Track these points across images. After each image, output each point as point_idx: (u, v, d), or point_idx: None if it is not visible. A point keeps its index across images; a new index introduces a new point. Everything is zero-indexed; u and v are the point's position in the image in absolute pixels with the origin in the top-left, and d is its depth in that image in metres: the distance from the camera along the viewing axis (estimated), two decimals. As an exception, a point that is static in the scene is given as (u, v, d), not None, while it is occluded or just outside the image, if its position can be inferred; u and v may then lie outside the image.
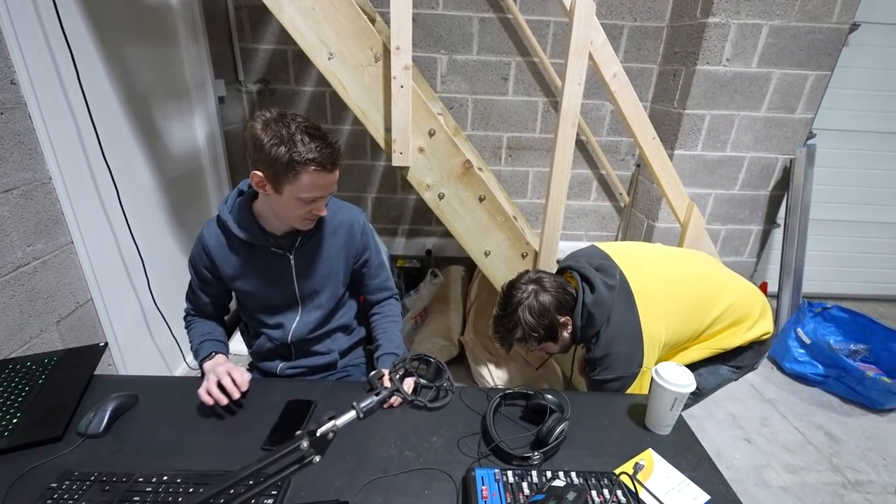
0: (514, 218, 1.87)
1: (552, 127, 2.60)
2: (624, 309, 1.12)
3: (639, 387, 1.12)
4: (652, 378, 0.91)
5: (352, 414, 0.60)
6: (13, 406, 0.88)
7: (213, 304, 1.13)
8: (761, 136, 2.35)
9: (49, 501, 0.70)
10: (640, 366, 1.10)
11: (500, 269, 1.56)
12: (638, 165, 2.69)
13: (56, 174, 1.28)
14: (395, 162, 1.36)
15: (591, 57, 1.30)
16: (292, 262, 1.07)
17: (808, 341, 2.16)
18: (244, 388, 0.94)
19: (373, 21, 2.15)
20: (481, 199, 1.45)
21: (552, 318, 1.12)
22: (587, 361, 1.18)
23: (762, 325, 1.22)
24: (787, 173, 2.43)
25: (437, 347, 2.09)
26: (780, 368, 2.25)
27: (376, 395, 0.64)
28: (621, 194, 2.75)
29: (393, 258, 2.92)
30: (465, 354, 2.13)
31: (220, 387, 0.93)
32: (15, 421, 0.85)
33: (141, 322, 1.71)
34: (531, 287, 1.13)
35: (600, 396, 1.11)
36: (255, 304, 1.11)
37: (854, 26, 2.23)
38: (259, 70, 2.45)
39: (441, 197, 1.45)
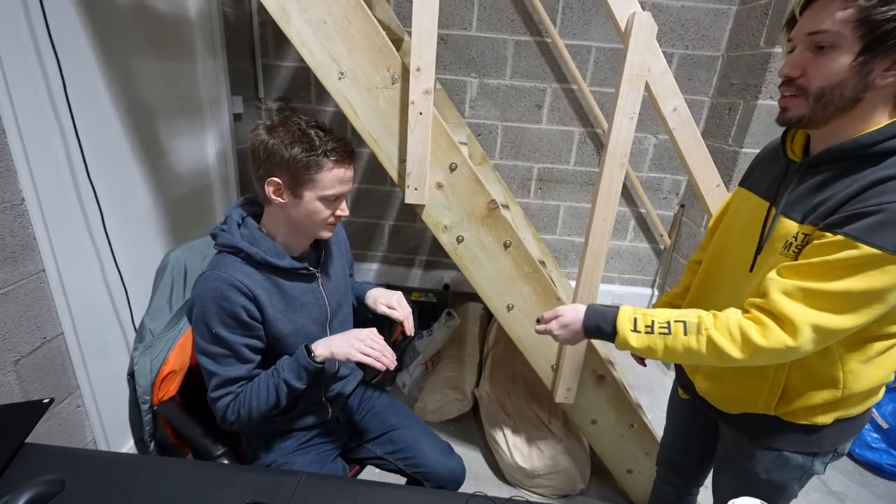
0: (542, 263, 1.65)
1: (587, 159, 2.39)
2: None
3: None
4: None
5: None
6: None
7: (261, 363, 0.94)
8: (829, 181, 2.07)
9: None
10: None
11: (524, 326, 1.34)
12: (682, 206, 2.43)
13: (31, 195, 1.14)
14: (409, 199, 1.18)
15: (647, 87, 1.09)
16: (319, 280, 1.01)
17: (884, 426, 1.83)
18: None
19: (401, 41, 2.02)
20: (506, 246, 1.25)
21: None
22: (842, 206, 0.65)
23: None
24: (858, 224, 2.13)
25: (447, 400, 1.86)
26: (849, 454, 1.92)
27: None
28: (662, 236, 2.49)
29: (408, 291, 2.74)
30: (478, 409, 1.89)
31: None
32: None
33: (123, 360, 1.55)
34: None
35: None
36: (298, 340, 0.95)
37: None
38: (280, 87, 2.35)
39: (460, 240, 1.25)
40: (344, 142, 0.87)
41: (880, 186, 0.62)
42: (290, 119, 0.85)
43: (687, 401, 1.06)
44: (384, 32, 1.06)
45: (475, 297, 2.68)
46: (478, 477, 1.69)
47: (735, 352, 0.72)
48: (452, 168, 1.17)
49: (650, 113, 2.05)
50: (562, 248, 2.60)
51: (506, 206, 1.70)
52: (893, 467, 1.80)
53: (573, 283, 1.33)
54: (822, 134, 0.72)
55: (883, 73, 0.63)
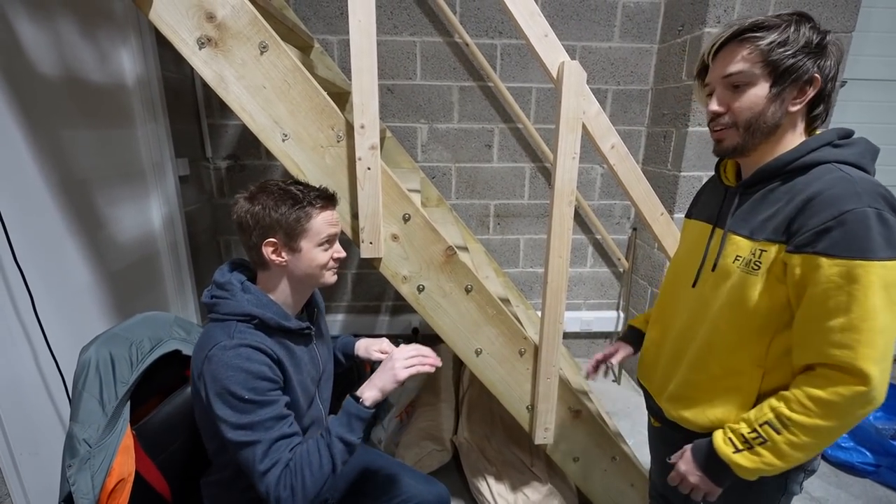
0: (506, 301, 1.65)
1: (540, 192, 2.47)
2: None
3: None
4: None
5: None
6: None
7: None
8: (762, 196, 2.22)
9: None
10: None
11: (494, 369, 1.31)
12: (634, 229, 2.53)
13: (-54, 287, 1.04)
14: (364, 253, 1.16)
15: (584, 128, 1.14)
16: (314, 338, 1.03)
17: (849, 424, 1.89)
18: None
19: (348, 94, 2.05)
20: (468, 290, 1.24)
21: (813, 61, 0.72)
22: (793, 220, 0.72)
23: None
24: (794, 233, 2.28)
25: (426, 453, 1.78)
26: (823, 455, 1.96)
27: None
28: (619, 259, 2.57)
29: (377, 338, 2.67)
30: (459, 457, 1.82)
31: None
32: None
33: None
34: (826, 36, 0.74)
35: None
36: (302, 401, 0.95)
37: (842, 83, 2.17)
38: (229, 146, 2.32)
39: (421, 289, 1.23)
40: (322, 188, 0.94)
41: (818, 200, 0.70)
42: (267, 183, 0.91)
43: (660, 428, 1.07)
44: (325, 93, 1.07)
45: (446, 338, 2.65)
46: (465, 533, 1.61)
47: (821, 421, 0.70)
48: (406, 218, 1.17)
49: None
50: (526, 281, 2.63)
51: (464, 248, 1.71)
52: (865, 465, 1.85)
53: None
54: (750, 160, 0.82)
55: (792, 100, 0.74)
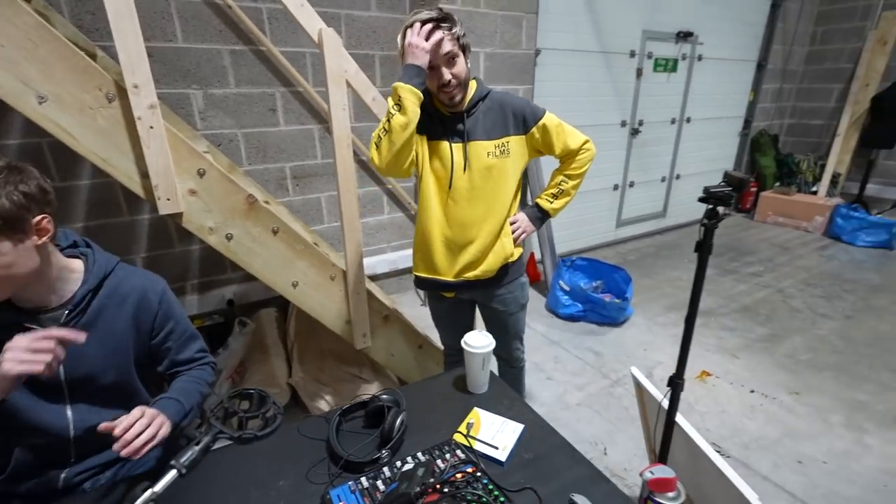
0: (316, 244, 1.88)
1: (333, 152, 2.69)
2: None
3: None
4: (463, 349, 1.06)
5: (172, 474, 0.54)
6: None
7: None
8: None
9: None
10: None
11: (312, 296, 1.55)
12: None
13: None
14: (163, 210, 1.22)
15: (348, 84, 1.42)
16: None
17: (567, 288, 2.80)
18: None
19: (93, 56, 1.84)
20: (275, 232, 1.42)
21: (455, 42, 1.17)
22: (516, 122, 1.29)
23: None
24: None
25: (265, 399, 1.92)
26: (557, 315, 2.85)
27: (196, 443, 0.59)
28: (410, 203, 3.02)
29: (189, 319, 2.54)
30: (298, 397, 2.02)
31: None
32: None
33: None
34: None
35: (430, 382, 1.22)
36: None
37: (538, 52, 2.98)
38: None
39: (229, 238, 1.35)
40: None
41: (515, 108, 1.29)
42: None
43: (452, 299, 1.46)
44: (83, 53, 1.06)
45: (264, 303, 2.71)
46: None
47: (585, 168, 1.42)
48: (202, 173, 1.26)
49: (370, 105, 2.47)
50: (334, 235, 2.86)
51: (267, 203, 1.84)
52: (579, 313, 2.78)
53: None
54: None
55: (466, 61, 1.21)
